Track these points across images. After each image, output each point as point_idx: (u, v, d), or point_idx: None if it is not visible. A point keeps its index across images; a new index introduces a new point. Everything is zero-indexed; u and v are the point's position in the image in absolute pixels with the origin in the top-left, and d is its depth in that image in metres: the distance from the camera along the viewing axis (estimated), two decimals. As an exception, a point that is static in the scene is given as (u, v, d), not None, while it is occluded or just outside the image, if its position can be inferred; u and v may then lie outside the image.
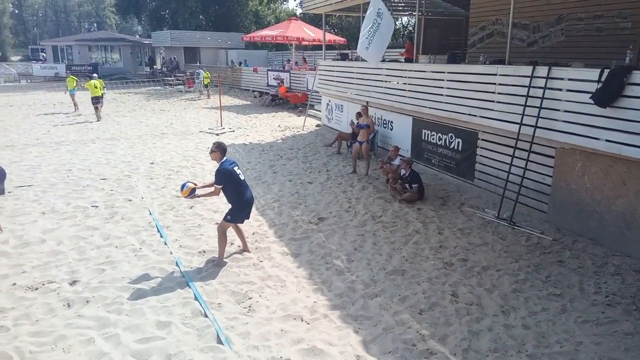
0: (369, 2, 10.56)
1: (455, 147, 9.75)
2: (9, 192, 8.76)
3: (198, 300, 5.18)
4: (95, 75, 20.42)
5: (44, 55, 44.92)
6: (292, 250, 6.65)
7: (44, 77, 36.37)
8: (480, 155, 9.08)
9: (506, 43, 8.43)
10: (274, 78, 24.73)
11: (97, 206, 8.21)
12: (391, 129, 12.20)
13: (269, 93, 23.96)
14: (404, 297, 5.38)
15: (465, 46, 14.83)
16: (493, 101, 8.30)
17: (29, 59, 59.76)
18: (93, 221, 7.51)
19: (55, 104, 22.27)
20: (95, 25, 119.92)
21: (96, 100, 17.84)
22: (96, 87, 17.83)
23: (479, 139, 9.07)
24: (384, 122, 12.49)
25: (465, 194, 9.02)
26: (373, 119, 11.56)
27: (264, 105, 22.85)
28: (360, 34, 10.66)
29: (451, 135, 9.82)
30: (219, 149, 5.98)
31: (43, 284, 5.51)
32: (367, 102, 12.36)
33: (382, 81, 12.06)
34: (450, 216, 7.96)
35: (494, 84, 8.29)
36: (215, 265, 6.05)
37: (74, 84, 19.75)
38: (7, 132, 15.24)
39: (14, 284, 5.51)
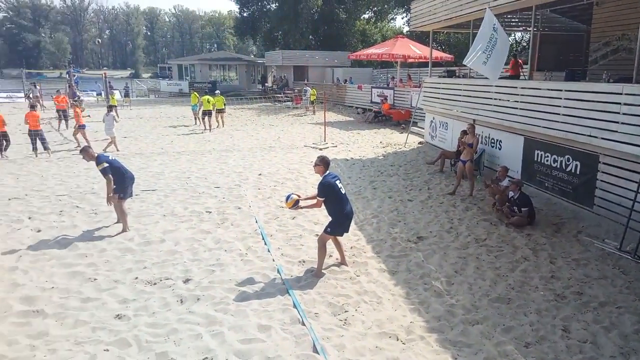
0: (483, 18, 10.27)
1: (573, 170, 9.02)
2: (136, 195, 9.76)
3: (297, 308, 5.35)
4: (217, 92, 22.27)
5: (170, 72, 49.64)
6: (389, 267, 6.61)
7: (170, 93, 40.23)
8: (601, 180, 8.31)
9: (633, 60, 7.69)
10: (377, 95, 24.89)
11: (210, 212, 8.86)
12: (499, 149, 11.64)
13: (372, 110, 24.15)
14: (509, 327, 5.08)
15: (585, 63, 13.76)
16: (617, 122, 7.60)
17: (157, 76, 66.56)
18: (206, 225, 8.12)
19: (178, 117, 24.49)
20: (216, 45, 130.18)
21: (206, 114, 19.59)
22: (209, 102, 19.64)
23: (600, 162, 8.32)
24: (492, 141, 11.96)
25: (582, 222, 8.29)
26: (479, 137, 11.13)
27: (367, 122, 23.05)
28: (472, 48, 10.37)
29: (568, 157, 9.12)
30: (323, 163, 6.17)
31: (160, 280, 6.07)
32: (474, 120, 11.94)
33: (491, 99, 11.59)
34: (565, 245, 7.36)
35: (619, 103, 7.59)
36: (313, 276, 6.21)
37: (196, 101, 21.57)
38: (137, 141, 17.07)
39: (136, 278, 6.13)
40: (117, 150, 14.68)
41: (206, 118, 19.65)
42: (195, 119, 21.58)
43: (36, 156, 13.81)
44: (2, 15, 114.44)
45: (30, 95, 26.10)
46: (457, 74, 18.21)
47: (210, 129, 19.64)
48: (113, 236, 7.57)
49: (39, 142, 13.98)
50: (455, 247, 7.31)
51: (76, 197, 9.70)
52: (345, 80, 32.55)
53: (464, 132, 10.76)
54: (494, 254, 7.02)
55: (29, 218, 8.42)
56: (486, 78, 11.00)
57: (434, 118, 15.88)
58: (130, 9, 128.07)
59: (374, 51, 25.29)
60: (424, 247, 7.30)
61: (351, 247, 7.23)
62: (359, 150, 15.73)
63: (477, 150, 10.94)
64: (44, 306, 5.38)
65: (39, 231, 7.80)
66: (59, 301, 5.50)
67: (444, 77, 16.37)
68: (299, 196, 6.37)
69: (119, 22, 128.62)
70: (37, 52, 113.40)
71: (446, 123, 14.79)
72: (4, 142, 13.83)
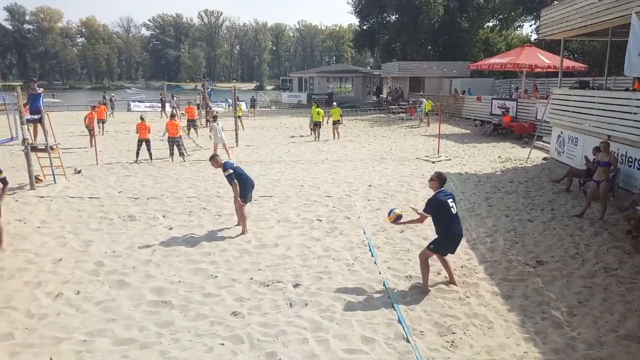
0: (624, 24, 9.33)
1: None
2: (255, 200, 10.41)
3: (401, 324, 5.30)
4: (334, 104, 22.97)
5: (291, 85, 52.14)
6: (503, 291, 6.25)
7: (289, 104, 42.24)
8: None
9: None
10: (498, 106, 23.64)
11: (321, 220, 9.14)
12: (638, 169, 10.38)
13: (491, 122, 22.99)
14: (641, 370, 4.51)
15: None
16: None
17: (279, 88, 70.25)
18: (316, 233, 8.40)
19: (296, 127, 25.62)
20: (334, 58, 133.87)
21: (315, 125, 20.83)
22: (318, 114, 20.89)
23: None
24: (629, 160, 10.70)
25: None
26: (615, 155, 10.05)
27: (485, 135, 22.00)
28: (627, 56, 9.49)
29: None
30: (439, 179, 6.07)
31: (273, 282, 6.41)
32: (609, 137, 10.80)
33: (630, 112, 10.40)
34: None
35: None
36: (420, 292, 6.10)
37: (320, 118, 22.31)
38: (258, 149, 18.21)
39: (251, 279, 6.54)
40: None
41: (316, 129, 20.79)
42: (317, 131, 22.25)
43: (172, 161, 15.40)
44: (150, 33, 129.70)
45: (171, 105, 29.31)
46: (590, 85, 16.62)
47: (318, 139, 20.57)
48: (233, 237, 8.17)
49: (175, 149, 15.56)
50: (580, 275, 6.67)
51: (204, 199, 10.64)
52: (464, 91, 31.42)
53: (597, 149, 9.80)
54: (626, 286, 6.27)
55: (164, 216, 9.42)
56: (625, 90, 9.91)
57: (561, 132, 14.65)
58: (258, 25, 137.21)
59: (497, 61, 24.09)
60: (543, 272, 6.77)
61: (462, 266, 6.97)
62: (474, 164, 15.08)
63: (615, 169, 9.87)
64: (171, 298, 5.99)
65: (170, 229, 8.69)
66: (184, 294, 6.09)
67: (576, 88, 15.04)
68: (401, 212, 6.37)
69: (249, 37, 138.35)
70: (176, 65, 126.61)
71: (576, 138, 13.57)
72: (147, 148, 15.60)
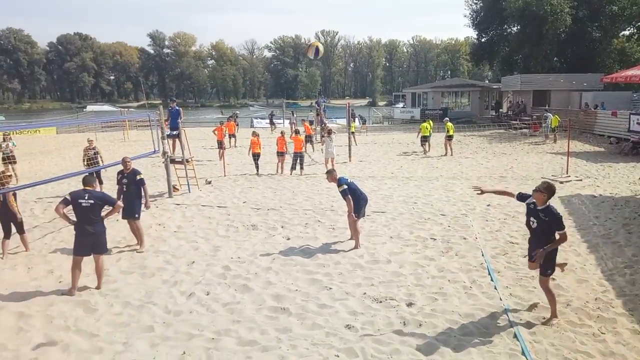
0: None
1: None
2: (368, 215, 10.49)
3: (525, 357, 4.97)
4: (446, 118, 22.45)
5: (404, 100, 51.80)
6: (647, 330, 5.55)
7: (402, 120, 41.97)
8: None
9: None
10: (638, 122, 21.14)
11: (435, 239, 8.94)
12: None
13: (629, 139, 20.61)
14: None
15: None
16: None
17: (391, 104, 70.16)
18: (430, 252, 8.23)
19: (408, 143, 25.38)
20: (449, 72, 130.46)
21: (424, 139, 21.06)
22: (426, 129, 21.00)
23: None
24: None
25: None
26: None
27: (622, 154, 19.77)
28: None
29: None
30: (548, 191, 5.62)
31: (386, 299, 6.41)
32: None
33: None
34: None
35: None
36: (547, 323, 5.66)
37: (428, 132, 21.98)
38: (371, 165, 18.35)
39: (365, 294, 6.60)
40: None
41: (425, 143, 21.07)
42: (426, 145, 21.96)
43: (290, 174, 16.14)
44: (272, 54, 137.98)
45: (291, 121, 31.05)
46: None
47: (427, 151, 20.85)
48: (346, 251, 8.33)
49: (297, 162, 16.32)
50: None
51: (318, 212, 11.00)
52: (596, 106, 28.60)
53: None
54: None
55: (282, 227, 9.92)
56: None
57: None
58: (372, 43, 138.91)
59: (636, 72, 21.63)
60: (698, 313, 5.90)
61: (595, 299, 6.33)
62: (609, 185, 13.63)
63: None
64: (289, 305, 6.27)
65: (288, 239, 9.12)
66: (301, 303, 6.34)
67: None
68: None
69: (362, 55, 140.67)
70: (294, 84, 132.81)
71: None
72: (255, 161, 16.57)
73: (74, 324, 5.85)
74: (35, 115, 71.08)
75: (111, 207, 7.00)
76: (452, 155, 20.49)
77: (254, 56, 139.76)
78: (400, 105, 51.79)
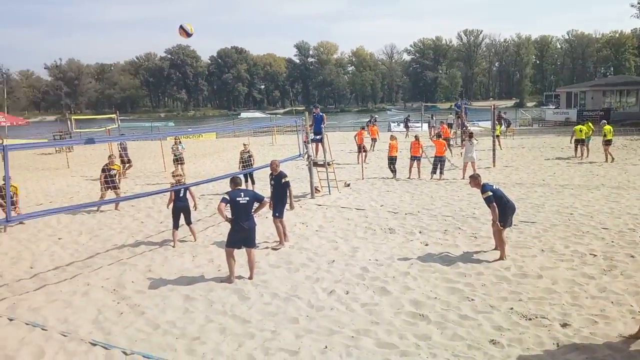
0: None
1: None
2: (515, 225, 9.73)
3: None
4: (604, 121, 19.91)
5: (557, 100, 47.22)
6: None
7: (555, 122, 38.31)
8: None
9: None
10: None
11: (595, 255, 8.00)
12: None
13: None
14: None
15: None
16: None
17: (541, 105, 64.53)
18: (589, 269, 7.39)
19: (562, 148, 23.09)
20: (612, 69, 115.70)
21: (579, 142, 19.51)
22: (581, 131, 19.40)
23: None
24: None
25: None
26: None
27: None
28: None
29: None
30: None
31: (536, 317, 5.92)
32: None
33: None
34: None
35: None
36: None
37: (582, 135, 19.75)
38: (518, 171, 17.09)
39: (511, 309, 6.19)
40: (463, 178, 15.39)
41: (578, 146, 19.48)
42: (585, 150, 19.75)
43: (430, 178, 15.81)
44: (410, 57, 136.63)
45: (430, 125, 30.55)
46: None
47: (582, 157, 19.15)
48: (490, 262, 7.89)
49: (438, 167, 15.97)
50: None
51: (459, 219, 10.61)
52: None
53: None
54: None
55: (420, 232, 9.78)
56: None
57: None
58: (521, 40, 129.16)
59: None
60: None
61: None
62: None
63: None
64: (428, 313, 6.16)
65: (426, 245, 8.96)
66: (440, 311, 6.19)
67: None
68: None
69: (509, 53, 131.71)
70: (433, 87, 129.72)
71: None
72: (392, 164, 16.48)
73: (230, 309, 6.49)
74: (198, 122, 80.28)
75: (259, 204, 7.60)
76: (612, 161, 18.11)
77: (393, 60, 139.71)
78: (552, 106, 47.36)
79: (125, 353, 5.42)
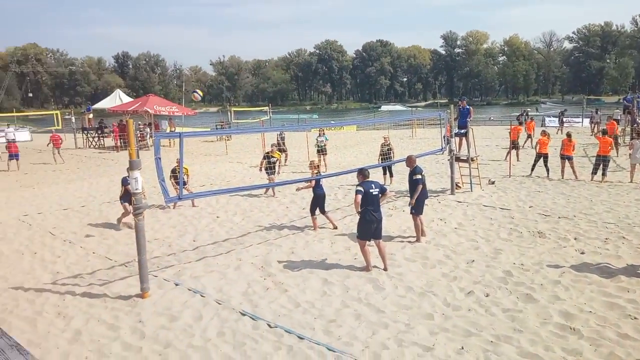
0: None
1: None
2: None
3: None
4: None
5: None
6: None
7: None
8: None
9: None
10: None
11: None
12: None
13: None
14: None
15: None
16: None
17: None
18: None
19: None
20: None
21: None
22: None
23: None
24: None
25: None
26: None
27: None
28: None
29: None
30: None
31: None
32: None
33: None
34: None
35: None
36: None
37: None
38: None
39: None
40: (631, 181, 13.50)
41: None
42: None
43: (591, 180, 14.12)
44: (573, 45, 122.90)
45: (593, 121, 27.27)
46: None
47: None
48: (664, 279, 6.85)
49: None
50: None
51: (624, 228, 9.36)
52: None
53: None
54: None
55: (575, 239, 8.84)
56: None
57: None
58: None
59: None
60: None
61: None
62: None
63: None
64: (581, 327, 5.59)
65: (582, 253, 8.08)
66: (595, 327, 5.57)
67: None
68: None
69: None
70: (598, 78, 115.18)
71: None
72: (544, 163, 15.03)
73: (365, 297, 6.65)
74: (340, 115, 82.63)
75: (382, 195, 7.64)
76: None
77: (551, 49, 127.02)
78: None
79: (269, 325, 5.91)
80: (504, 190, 13.29)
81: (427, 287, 6.90)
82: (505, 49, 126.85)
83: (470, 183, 13.21)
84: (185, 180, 11.34)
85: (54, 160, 22.19)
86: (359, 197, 7.34)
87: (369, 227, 7.47)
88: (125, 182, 10.03)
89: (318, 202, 9.93)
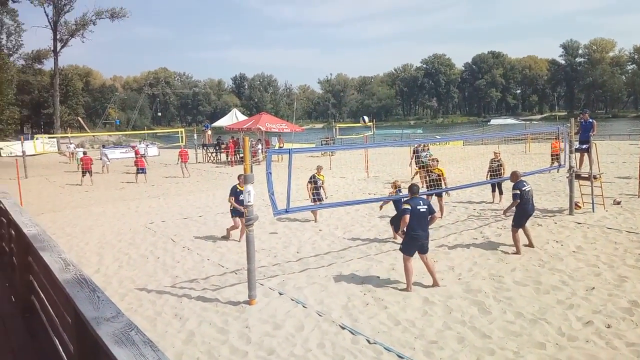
0: None
1: None
2: None
3: None
4: None
5: None
6: None
7: None
8: None
9: None
10: None
11: None
12: None
13: None
14: None
15: None
16: None
17: None
18: None
19: None
20: None
21: None
22: None
23: None
24: None
25: None
26: None
27: None
28: None
29: None
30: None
31: None
32: None
33: None
34: None
35: None
36: None
37: None
38: None
39: None
40: None
41: None
42: None
43: None
44: None
45: None
46: None
47: None
48: None
49: None
50: None
51: None
52: None
53: None
54: None
55: None
56: None
57: None
58: None
59: None
60: None
61: None
62: None
63: None
64: None
65: None
66: None
67: None
68: None
69: None
70: None
71: None
72: None
73: (470, 320, 6.37)
74: (445, 129, 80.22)
75: (431, 216, 7.59)
76: None
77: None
78: None
79: (368, 341, 5.92)
80: (632, 211, 11.90)
81: (540, 314, 6.42)
82: (636, 56, 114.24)
83: (592, 203, 12.04)
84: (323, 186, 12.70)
85: (182, 174, 24.38)
86: (407, 217, 7.37)
87: (414, 244, 7.48)
88: (234, 193, 10.63)
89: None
